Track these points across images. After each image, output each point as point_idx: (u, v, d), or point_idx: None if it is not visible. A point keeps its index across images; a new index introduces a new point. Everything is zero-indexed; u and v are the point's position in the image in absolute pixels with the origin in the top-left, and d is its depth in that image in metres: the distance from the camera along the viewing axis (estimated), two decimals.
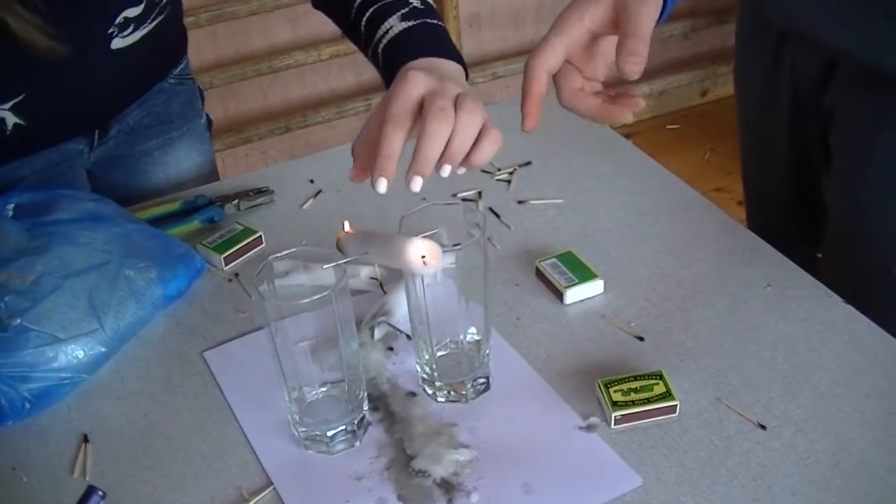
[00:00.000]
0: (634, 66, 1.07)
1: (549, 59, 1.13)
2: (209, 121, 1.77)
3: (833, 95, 1.39)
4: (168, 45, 1.58)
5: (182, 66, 1.65)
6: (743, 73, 1.63)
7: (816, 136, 1.48)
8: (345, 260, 1.04)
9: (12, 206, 1.28)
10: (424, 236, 1.04)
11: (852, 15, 1.21)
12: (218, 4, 2.78)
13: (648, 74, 3.50)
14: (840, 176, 1.45)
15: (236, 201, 1.46)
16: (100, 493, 0.89)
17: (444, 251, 1.06)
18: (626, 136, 1.64)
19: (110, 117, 1.55)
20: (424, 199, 1.15)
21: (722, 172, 3.29)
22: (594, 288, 1.26)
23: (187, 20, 2.68)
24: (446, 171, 1.03)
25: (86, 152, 1.56)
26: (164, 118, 1.63)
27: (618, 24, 1.09)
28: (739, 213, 2.97)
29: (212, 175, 1.76)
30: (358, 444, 1.08)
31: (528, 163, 1.54)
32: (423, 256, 1.01)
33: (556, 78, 1.15)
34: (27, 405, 1.14)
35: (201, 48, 2.91)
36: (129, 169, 1.64)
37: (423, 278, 1.06)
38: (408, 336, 1.18)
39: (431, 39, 1.18)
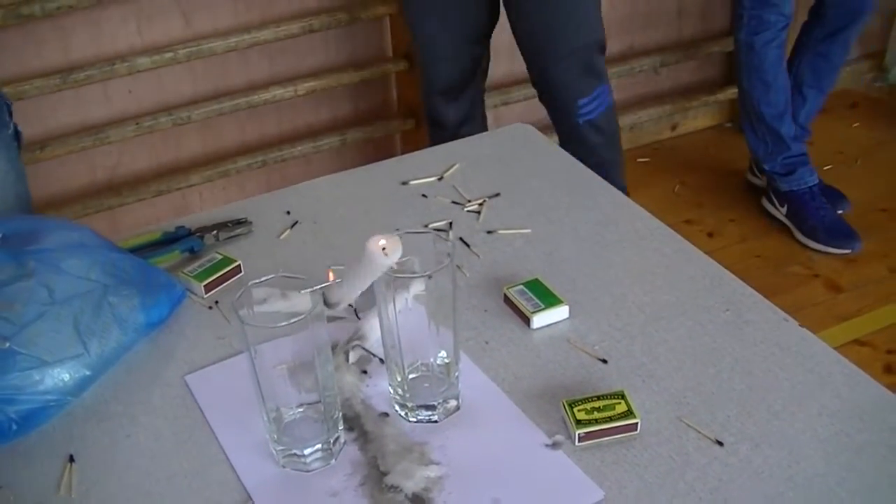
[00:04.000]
0: None
1: None
2: (17, 133, 1.82)
3: None
4: None
5: None
6: None
7: None
8: (320, 285, 1.08)
9: None
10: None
11: None
12: (196, 41, 2.83)
13: (619, 109, 3.57)
14: None
15: (215, 232, 1.50)
16: None
17: (414, 278, 1.11)
18: None
19: None
20: (398, 229, 1.19)
21: (692, 205, 3.35)
22: (560, 313, 1.31)
23: (165, 56, 2.74)
24: None
25: None
26: None
27: None
28: (708, 245, 3.04)
29: (20, 186, 1.80)
30: (333, 461, 1.13)
31: (498, 194, 1.59)
32: (384, 248, 1.07)
33: None
34: (14, 426, 1.18)
35: (179, 84, 2.96)
36: None
37: (395, 304, 1.11)
38: (381, 360, 1.23)
39: None
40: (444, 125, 2.79)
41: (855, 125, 3.81)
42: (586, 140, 2.69)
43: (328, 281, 1.12)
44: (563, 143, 2.67)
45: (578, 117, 2.67)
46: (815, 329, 1.29)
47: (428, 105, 2.81)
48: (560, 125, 2.76)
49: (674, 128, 3.78)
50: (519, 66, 3.39)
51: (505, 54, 3.40)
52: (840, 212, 3.23)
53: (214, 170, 3.02)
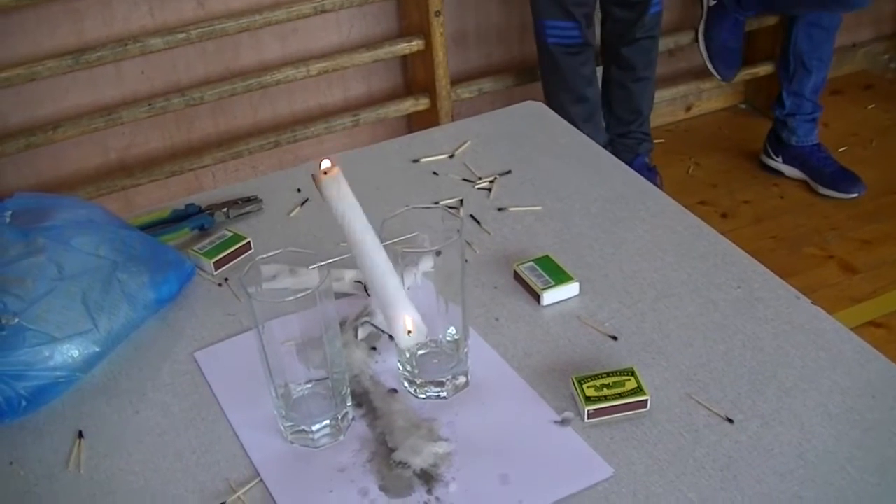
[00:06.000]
0: None
1: None
2: None
3: None
4: None
5: None
6: None
7: None
8: (329, 261, 1.08)
9: (10, 213, 1.32)
10: (405, 245, 1.09)
11: None
12: (208, 21, 2.82)
13: None
14: None
15: (225, 209, 1.50)
16: None
17: (423, 254, 1.11)
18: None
19: None
20: (408, 204, 1.19)
21: (706, 185, 3.33)
22: (570, 290, 1.31)
23: (177, 37, 2.74)
24: None
25: None
26: None
27: None
28: (723, 226, 3.03)
29: None
30: (341, 437, 1.13)
31: (509, 172, 1.59)
32: (410, 331, 1.06)
33: None
34: (24, 403, 1.18)
35: (192, 64, 2.96)
36: None
37: (404, 281, 1.10)
38: (390, 336, 1.22)
39: None
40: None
41: (870, 107, 3.79)
42: (654, 32, 3.11)
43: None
44: (630, 44, 3.11)
45: (654, 6, 3.04)
46: (830, 310, 1.28)
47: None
48: (633, 27, 3.08)
49: (688, 109, 3.77)
50: (531, 48, 3.40)
51: (514, 38, 3.40)
52: (855, 195, 3.23)
53: (227, 150, 3.02)
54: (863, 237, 3.10)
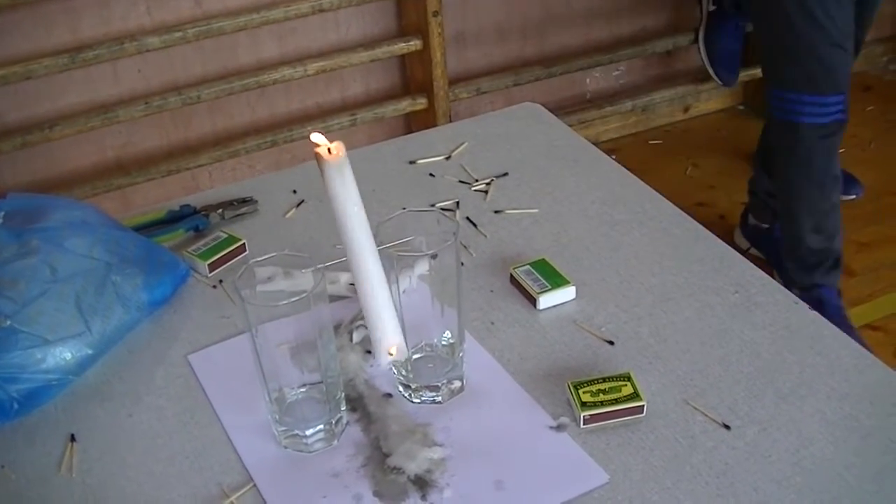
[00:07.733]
0: None
1: None
2: None
3: None
4: None
5: None
6: None
7: None
8: (323, 265, 1.07)
9: (2, 214, 1.31)
10: (400, 251, 1.08)
11: None
12: (206, 20, 2.81)
13: (632, 91, 3.55)
14: None
15: (221, 210, 1.49)
16: None
17: (419, 257, 1.10)
18: (610, 151, 1.68)
19: None
20: (404, 207, 1.18)
21: (704, 187, 3.33)
22: (566, 294, 1.30)
23: (174, 35, 2.73)
24: None
25: None
26: None
27: None
28: (720, 227, 3.02)
29: None
30: (335, 442, 1.12)
31: (506, 174, 1.58)
32: (391, 352, 1.06)
33: None
34: (16, 405, 1.17)
35: (189, 63, 2.95)
36: None
37: (399, 284, 1.10)
38: None
39: None
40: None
41: (869, 108, 3.78)
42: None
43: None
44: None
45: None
46: None
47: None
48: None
49: (686, 110, 3.76)
50: (529, 48, 3.39)
51: (514, 37, 3.39)
52: (853, 196, 3.22)
53: (224, 150, 3.01)
54: (861, 239, 3.09)
